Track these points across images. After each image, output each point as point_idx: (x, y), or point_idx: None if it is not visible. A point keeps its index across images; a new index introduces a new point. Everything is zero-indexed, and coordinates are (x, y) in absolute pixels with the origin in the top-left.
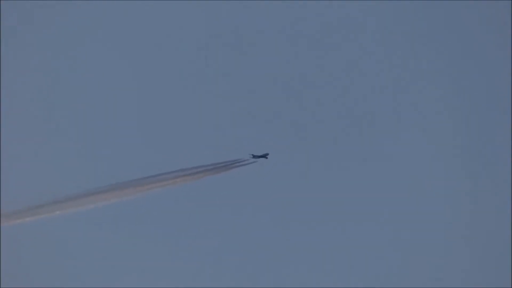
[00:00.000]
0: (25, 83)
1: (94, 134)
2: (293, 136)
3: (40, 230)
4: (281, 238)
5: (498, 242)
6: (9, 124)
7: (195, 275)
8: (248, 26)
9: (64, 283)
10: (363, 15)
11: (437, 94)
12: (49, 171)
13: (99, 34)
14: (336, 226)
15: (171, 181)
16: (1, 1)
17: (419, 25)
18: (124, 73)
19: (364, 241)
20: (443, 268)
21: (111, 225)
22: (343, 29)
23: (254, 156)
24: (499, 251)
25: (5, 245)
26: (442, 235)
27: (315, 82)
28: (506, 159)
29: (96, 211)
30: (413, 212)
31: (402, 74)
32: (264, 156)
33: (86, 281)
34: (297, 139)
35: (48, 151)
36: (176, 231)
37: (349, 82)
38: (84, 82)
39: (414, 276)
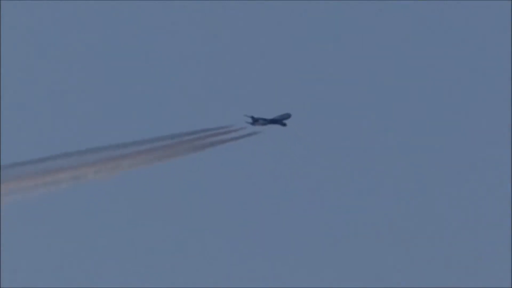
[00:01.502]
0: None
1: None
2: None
3: (41, 227)
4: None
5: (498, 242)
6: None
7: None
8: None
9: (65, 282)
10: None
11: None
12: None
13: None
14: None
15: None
16: (1, 1)
17: (417, 24)
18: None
19: (364, 239)
20: (443, 268)
21: (112, 216)
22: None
23: (255, 120)
24: (499, 251)
25: (5, 244)
26: (441, 235)
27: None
28: (506, 159)
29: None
30: (412, 207)
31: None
32: (280, 120)
33: (87, 280)
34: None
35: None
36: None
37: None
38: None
39: (414, 275)
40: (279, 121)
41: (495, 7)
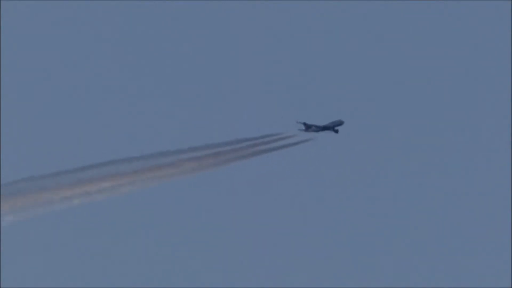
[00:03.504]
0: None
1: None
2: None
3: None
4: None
5: (498, 242)
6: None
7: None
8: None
9: (66, 283)
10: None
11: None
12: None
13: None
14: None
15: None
16: (1, 1)
17: (416, 24)
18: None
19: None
20: (443, 268)
21: (117, 217)
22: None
23: (307, 127)
24: (499, 251)
25: (6, 243)
26: (441, 235)
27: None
28: (506, 159)
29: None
30: (412, 207)
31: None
32: (333, 127)
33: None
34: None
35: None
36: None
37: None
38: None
39: (414, 275)
40: (332, 128)
41: (495, 7)
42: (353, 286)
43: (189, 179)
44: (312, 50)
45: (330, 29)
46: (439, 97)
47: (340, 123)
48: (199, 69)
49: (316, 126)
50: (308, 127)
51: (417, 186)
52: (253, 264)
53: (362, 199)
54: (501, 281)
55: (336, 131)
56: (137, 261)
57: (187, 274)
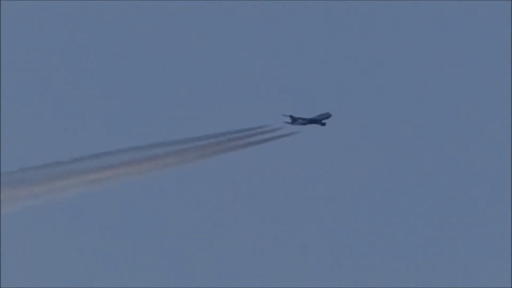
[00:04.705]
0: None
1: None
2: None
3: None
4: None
5: (498, 242)
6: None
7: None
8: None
9: (65, 282)
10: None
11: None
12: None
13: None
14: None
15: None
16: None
17: (417, 24)
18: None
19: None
20: (443, 268)
21: (115, 214)
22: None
23: (294, 120)
24: (499, 251)
25: (5, 243)
26: (441, 235)
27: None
28: (506, 159)
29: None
30: (412, 207)
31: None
32: (320, 120)
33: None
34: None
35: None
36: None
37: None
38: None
39: (414, 275)
40: (319, 121)
41: (495, 7)
42: (352, 285)
43: (174, 172)
44: (299, 43)
45: (319, 23)
46: (437, 96)
47: (327, 116)
48: (187, 63)
49: (303, 119)
50: (294, 120)
51: (412, 181)
52: (240, 256)
53: (349, 193)
54: (501, 281)
55: (323, 124)
56: (135, 253)
57: (173, 265)
